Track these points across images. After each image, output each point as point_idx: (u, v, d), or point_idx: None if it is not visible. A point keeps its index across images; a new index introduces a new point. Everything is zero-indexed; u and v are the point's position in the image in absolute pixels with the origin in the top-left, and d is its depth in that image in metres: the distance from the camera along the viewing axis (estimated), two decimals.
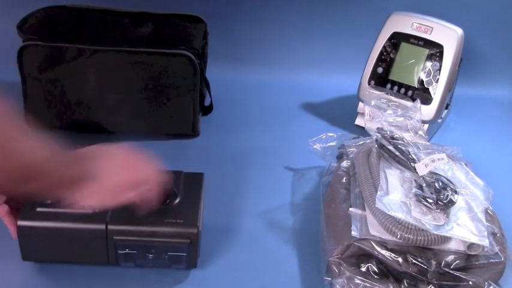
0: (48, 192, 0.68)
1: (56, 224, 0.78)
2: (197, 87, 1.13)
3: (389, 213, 0.78)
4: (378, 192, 0.81)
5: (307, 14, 1.40)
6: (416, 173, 0.84)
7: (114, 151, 0.74)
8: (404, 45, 1.16)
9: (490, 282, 0.77)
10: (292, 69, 1.42)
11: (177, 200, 0.83)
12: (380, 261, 0.78)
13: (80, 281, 0.83)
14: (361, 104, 1.22)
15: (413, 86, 1.15)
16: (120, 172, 0.73)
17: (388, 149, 0.88)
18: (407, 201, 0.80)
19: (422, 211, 0.79)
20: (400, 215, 0.78)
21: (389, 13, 1.19)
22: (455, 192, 0.82)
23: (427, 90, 1.14)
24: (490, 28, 1.37)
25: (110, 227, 0.79)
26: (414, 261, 0.77)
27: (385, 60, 1.18)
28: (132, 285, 0.84)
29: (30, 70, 1.08)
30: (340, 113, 1.28)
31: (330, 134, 1.05)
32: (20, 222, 0.78)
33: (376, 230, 0.79)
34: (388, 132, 0.92)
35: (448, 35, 1.14)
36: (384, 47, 1.18)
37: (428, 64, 1.14)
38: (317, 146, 1.03)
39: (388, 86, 1.17)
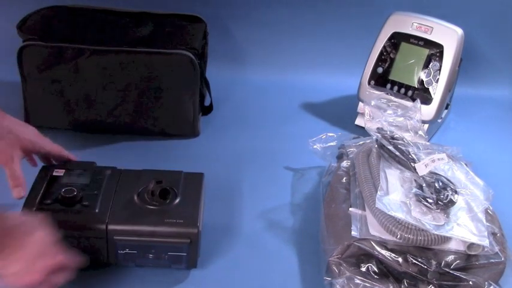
0: None
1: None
2: (197, 87, 1.13)
3: (389, 213, 0.78)
4: (378, 192, 0.81)
5: (307, 14, 1.40)
6: (416, 173, 0.84)
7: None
8: (404, 45, 1.17)
9: (490, 282, 0.77)
10: (292, 69, 1.42)
11: (177, 200, 0.83)
12: (380, 261, 0.78)
13: (79, 282, 0.82)
14: (361, 104, 1.22)
15: (413, 86, 1.15)
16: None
17: (388, 149, 0.88)
18: (407, 201, 0.80)
19: (422, 211, 0.79)
20: (400, 215, 0.78)
21: (389, 13, 1.19)
22: (455, 192, 0.82)
23: (427, 90, 1.14)
24: (490, 28, 1.37)
25: (110, 226, 0.79)
26: (414, 261, 0.77)
27: (385, 60, 1.18)
28: (132, 285, 0.84)
29: (30, 70, 1.08)
30: (340, 113, 1.28)
31: (330, 134, 1.05)
32: None
33: (376, 230, 0.79)
34: (388, 132, 0.92)
35: (448, 35, 1.14)
36: (384, 47, 1.18)
37: (428, 64, 1.14)
38: (317, 146, 1.03)
39: (388, 86, 1.17)
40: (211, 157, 1.12)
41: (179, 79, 1.10)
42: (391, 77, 1.17)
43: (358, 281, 0.77)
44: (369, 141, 0.96)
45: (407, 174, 0.85)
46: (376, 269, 0.78)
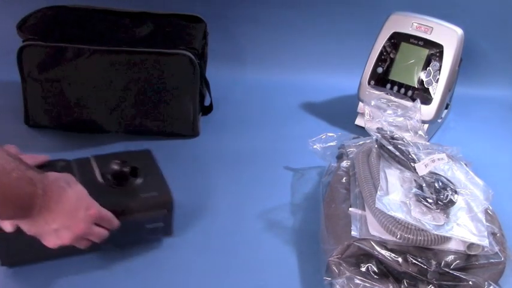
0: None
1: None
2: (197, 87, 1.13)
3: (389, 213, 0.78)
4: (378, 192, 0.81)
5: (307, 14, 1.40)
6: (416, 173, 0.84)
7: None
8: (404, 45, 1.17)
9: (490, 282, 0.77)
10: (292, 69, 1.42)
11: (140, 177, 0.86)
12: (380, 261, 0.78)
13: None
14: (361, 104, 1.22)
15: (413, 86, 1.15)
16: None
17: (388, 149, 0.88)
18: (407, 201, 0.80)
19: (422, 211, 0.79)
20: (400, 215, 0.78)
21: (389, 13, 1.19)
22: (455, 192, 0.82)
23: (427, 90, 1.14)
24: (490, 28, 1.37)
25: None
26: (414, 261, 0.76)
27: (385, 60, 1.18)
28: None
29: (30, 70, 1.08)
30: (340, 113, 1.28)
31: (330, 134, 1.05)
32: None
33: (376, 230, 0.79)
34: (388, 132, 0.92)
35: (448, 35, 1.14)
36: (384, 47, 1.18)
37: (428, 64, 1.14)
38: (317, 146, 1.03)
39: (388, 86, 1.17)
40: (211, 157, 1.12)
41: (179, 79, 1.10)
42: (391, 77, 1.17)
43: (358, 281, 0.76)
44: (368, 141, 0.96)
45: (407, 174, 0.85)
46: (376, 269, 0.78)
